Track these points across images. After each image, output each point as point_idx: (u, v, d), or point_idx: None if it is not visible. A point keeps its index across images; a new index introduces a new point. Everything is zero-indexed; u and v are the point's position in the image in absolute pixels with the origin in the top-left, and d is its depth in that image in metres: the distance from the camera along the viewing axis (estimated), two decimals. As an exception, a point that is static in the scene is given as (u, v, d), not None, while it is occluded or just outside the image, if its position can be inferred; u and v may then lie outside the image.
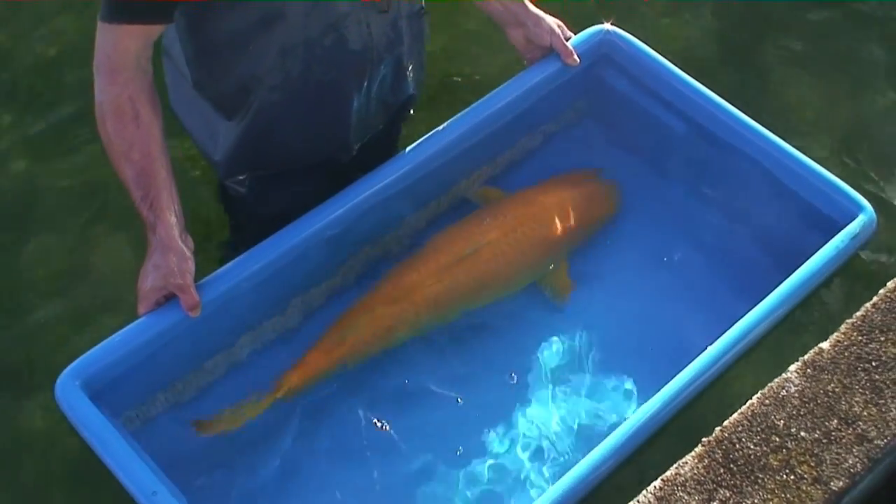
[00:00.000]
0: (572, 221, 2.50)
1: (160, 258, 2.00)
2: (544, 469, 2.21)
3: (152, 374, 2.13)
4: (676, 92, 2.51)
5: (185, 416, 2.19)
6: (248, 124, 2.20)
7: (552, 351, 2.39)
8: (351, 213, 2.28)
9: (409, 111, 2.55)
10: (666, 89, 2.53)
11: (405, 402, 2.30)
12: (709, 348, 2.05)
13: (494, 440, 2.25)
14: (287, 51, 2.08)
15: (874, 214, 2.26)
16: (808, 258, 2.19)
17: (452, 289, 2.37)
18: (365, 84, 2.24)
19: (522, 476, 2.21)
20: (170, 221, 2.02)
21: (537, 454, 2.24)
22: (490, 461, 2.23)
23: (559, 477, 1.94)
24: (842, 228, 2.24)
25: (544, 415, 2.28)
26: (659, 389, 2.00)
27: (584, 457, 1.93)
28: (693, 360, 2.03)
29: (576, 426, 2.26)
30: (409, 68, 2.37)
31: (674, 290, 2.49)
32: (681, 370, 2.02)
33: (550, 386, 2.33)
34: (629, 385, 2.33)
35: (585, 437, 2.23)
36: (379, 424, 2.25)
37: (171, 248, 2.00)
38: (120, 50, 1.99)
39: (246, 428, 2.18)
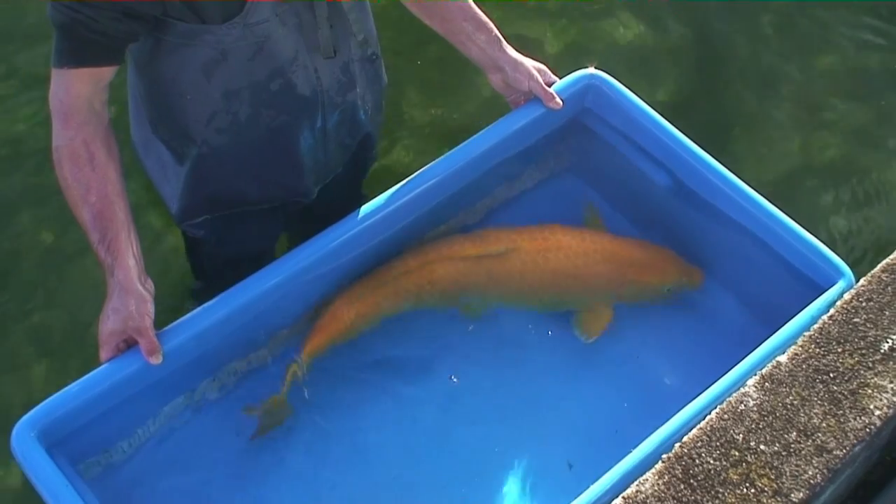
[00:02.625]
0: (624, 273, 2.48)
1: (118, 301, 2.00)
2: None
3: (112, 421, 2.11)
4: (659, 143, 2.46)
5: (147, 461, 2.18)
6: (196, 166, 2.22)
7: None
8: (316, 265, 2.26)
9: (373, 150, 2.56)
10: (648, 140, 2.49)
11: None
12: (668, 422, 2.00)
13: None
14: (231, 95, 2.10)
15: (853, 280, 2.19)
16: (788, 319, 2.14)
17: (468, 276, 2.41)
18: (318, 126, 2.25)
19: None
20: (128, 264, 2.01)
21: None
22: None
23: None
24: (823, 289, 2.19)
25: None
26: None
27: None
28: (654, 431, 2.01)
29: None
30: (365, 111, 2.39)
31: (652, 344, 2.50)
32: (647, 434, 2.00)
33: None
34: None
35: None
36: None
37: (130, 292, 2.00)
38: (72, 95, 2.00)
39: (213, 472, 2.19)
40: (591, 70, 2.51)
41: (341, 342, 2.37)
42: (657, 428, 1.97)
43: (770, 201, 2.34)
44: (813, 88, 3.60)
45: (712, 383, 2.03)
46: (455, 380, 2.34)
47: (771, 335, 2.09)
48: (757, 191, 2.35)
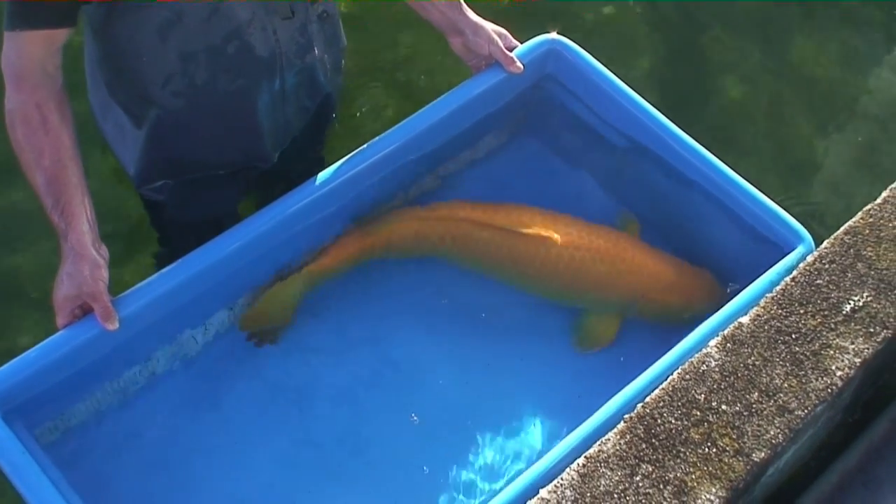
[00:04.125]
0: (648, 290, 2.41)
1: (72, 266, 1.97)
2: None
3: (70, 387, 2.09)
4: (619, 108, 2.45)
5: (105, 427, 2.16)
6: (153, 130, 2.19)
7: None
8: (277, 232, 2.24)
9: (332, 115, 2.53)
10: (609, 104, 2.47)
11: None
12: (630, 384, 2.00)
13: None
14: (188, 57, 2.07)
15: (813, 246, 2.19)
16: (750, 281, 2.15)
17: (489, 245, 2.38)
18: (276, 89, 2.22)
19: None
20: (81, 229, 1.98)
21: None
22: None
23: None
24: (785, 253, 2.20)
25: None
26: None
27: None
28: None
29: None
30: (325, 73, 2.36)
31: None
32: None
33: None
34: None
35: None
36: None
37: (84, 257, 1.97)
38: (24, 57, 1.97)
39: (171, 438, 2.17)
40: (553, 35, 2.49)
41: (345, 270, 2.38)
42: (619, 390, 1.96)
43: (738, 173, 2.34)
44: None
45: (674, 345, 2.02)
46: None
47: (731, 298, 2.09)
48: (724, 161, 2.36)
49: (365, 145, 2.32)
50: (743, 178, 2.32)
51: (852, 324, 1.95)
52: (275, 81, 2.20)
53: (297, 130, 2.39)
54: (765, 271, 2.14)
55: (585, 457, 1.79)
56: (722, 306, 2.13)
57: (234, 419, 2.25)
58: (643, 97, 2.42)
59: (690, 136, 2.36)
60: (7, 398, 1.95)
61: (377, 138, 2.33)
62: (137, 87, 2.14)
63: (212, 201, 2.38)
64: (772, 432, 1.82)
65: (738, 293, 2.13)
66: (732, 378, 1.88)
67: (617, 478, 1.76)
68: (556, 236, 2.36)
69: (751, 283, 2.14)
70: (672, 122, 2.39)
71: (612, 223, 2.53)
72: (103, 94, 2.22)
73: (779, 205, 2.28)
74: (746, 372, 1.89)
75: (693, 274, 2.44)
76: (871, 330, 1.94)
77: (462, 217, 2.37)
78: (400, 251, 2.41)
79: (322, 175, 2.26)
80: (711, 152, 2.35)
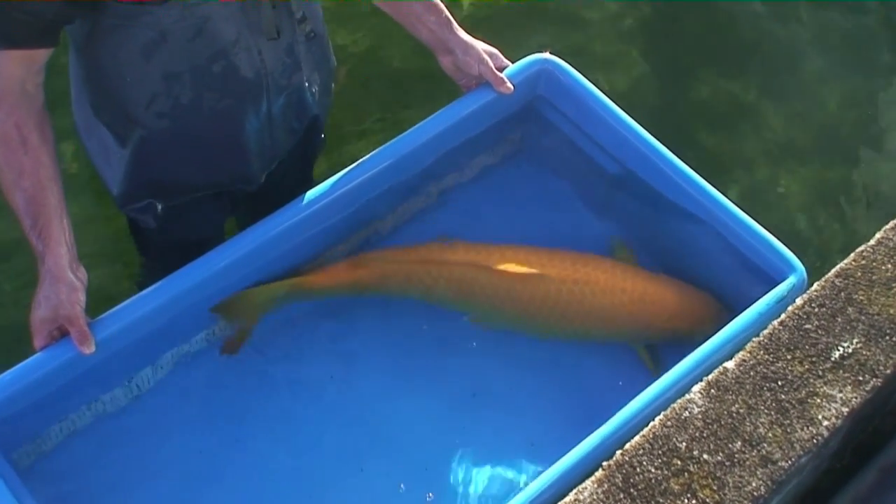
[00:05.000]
0: (652, 319, 2.37)
1: (49, 289, 1.95)
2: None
3: (46, 410, 2.08)
4: (612, 131, 2.41)
5: (81, 450, 2.15)
6: (138, 150, 2.16)
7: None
8: (260, 253, 2.21)
9: (320, 136, 2.50)
10: (600, 127, 2.44)
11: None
12: (617, 414, 1.99)
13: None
14: (172, 77, 2.04)
15: (805, 276, 2.17)
16: (740, 312, 2.12)
17: (486, 288, 2.33)
18: (263, 110, 2.19)
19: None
20: (59, 251, 1.96)
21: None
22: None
23: None
24: (776, 283, 2.17)
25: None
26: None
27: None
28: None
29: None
30: (313, 94, 2.32)
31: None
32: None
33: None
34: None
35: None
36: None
37: (60, 279, 1.95)
38: (3, 76, 1.95)
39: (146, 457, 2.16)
40: (545, 55, 2.45)
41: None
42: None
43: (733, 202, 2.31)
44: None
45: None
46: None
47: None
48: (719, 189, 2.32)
49: (352, 166, 2.29)
50: (739, 206, 2.30)
51: (841, 371, 1.91)
52: (261, 104, 2.16)
53: (284, 152, 2.36)
54: (756, 300, 2.12)
55: (561, 505, 1.75)
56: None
57: (211, 440, 2.22)
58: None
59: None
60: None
61: (364, 158, 2.31)
62: (121, 107, 2.10)
63: (197, 222, 2.35)
64: (754, 484, 1.78)
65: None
66: (715, 426, 1.84)
67: (593, 528, 1.72)
68: (552, 272, 2.32)
69: (741, 311, 2.12)
70: (667, 145, 2.37)
71: (604, 246, 2.49)
72: (87, 112, 2.19)
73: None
74: (730, 420, 1.85)
75: (695, 296, 2.40)
76: (861, 378, 1.90)
77: (457, 260, 2.33)
78: (390, 290, 2.37)
79: (308, 195, 2.24)
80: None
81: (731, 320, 2.13)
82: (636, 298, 2.36)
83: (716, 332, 2.14)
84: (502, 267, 2.32)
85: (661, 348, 2.39)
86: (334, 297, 2.35)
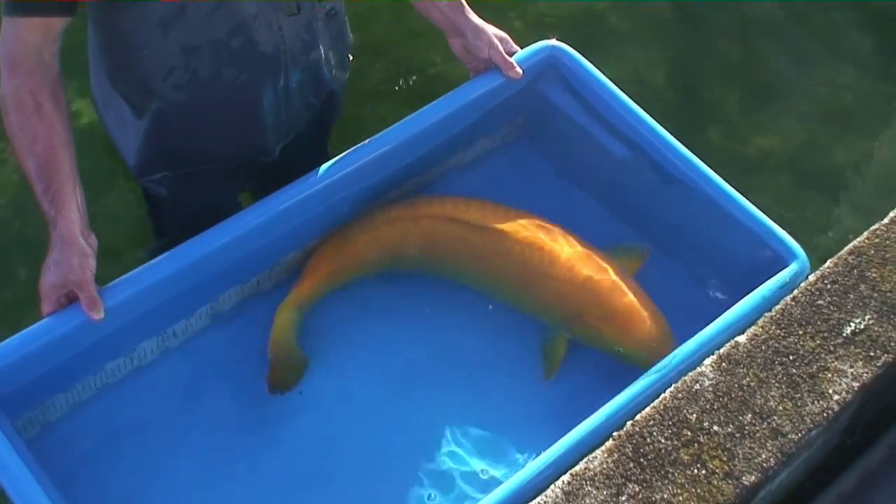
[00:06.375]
0: (583, 308, 2.26)
1: (59, 254, 1.95)
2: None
3: (53, 377, 2.06)
4: (618, 117, 2.41)
5: (86, 421, 2.14)
6: (155, 122, 2.16)
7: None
8: (267, 228, 2.21)
9: (337, 110, 2.50)
10: (608, 113, 2.43)
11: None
12: (616, 397, 1.97)
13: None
14: (191, 51, 2.05)
15: (807, 263, 2.16)
16: (742, 296, 2.11)
17: (456, 241, 2.32)
18: (280, 85, 2.19)
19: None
20: (71, 217, 1.96)
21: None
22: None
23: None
24: (778, 270, 2.16)
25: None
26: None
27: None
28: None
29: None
30: (330, 70, 2.32)
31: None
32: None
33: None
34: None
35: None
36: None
37: (72, 244, 1.95)
38: (20, 43, 1.95)
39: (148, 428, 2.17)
40: (553, 42, 2.46)
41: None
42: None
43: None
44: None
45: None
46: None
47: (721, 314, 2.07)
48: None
49: (355, 146, 2.29)
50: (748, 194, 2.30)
51: (852, 347, 1.91)
52: (279, 78, 2.17)
53: (300, 126, 2.36)
54: (757, 287, 2.12)
55: (571, 474, 1.75)
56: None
57: (217, 414, 2.22)
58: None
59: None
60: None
61: (375, 137, 2.30)
62: (139, 78, 2.11)
63: (212, 194, 2.35)
64: (763, 455, 1.77)
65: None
66: (726, 398, 1.84)
67: (602, 497, 1.72)
68: (513, 230, 2.29)
69: (743, 297, 2.11)
70: (676, 133, 2.36)
71: (605, 230, 2.47)
72: (105, 84, 2.20)
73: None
74: (741, 393, 1.85)
75: (646, 314, 2.24)
76: (872, 354, 1.90)
77: (423, 213, 2.32)
78: (369, 265, 2.36)
79: (321, 170, 2.24)
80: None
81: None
82: (582, 284, 2.26)
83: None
84: (465, 217, 2.30)
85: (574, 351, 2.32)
86: (329, 293, 2.34)
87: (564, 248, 2.30)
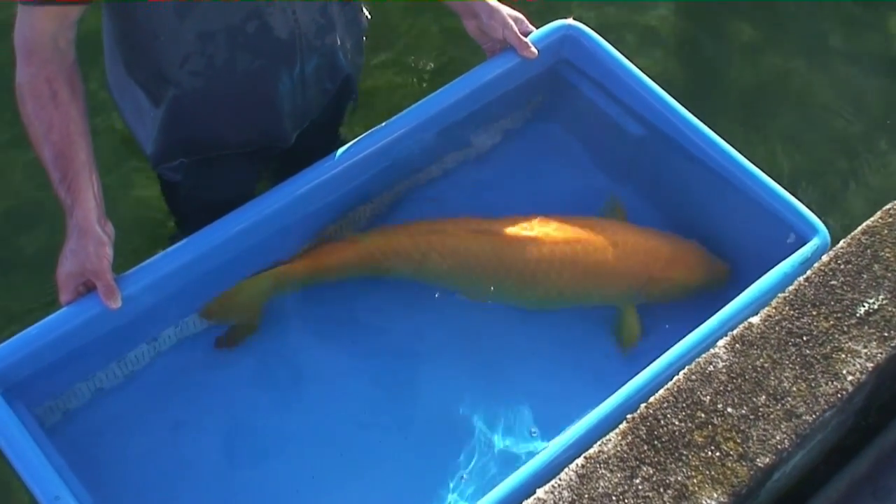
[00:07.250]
0: (650, 270, 2.32)
1: (76, 243, 1.96)
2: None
3: (72, 366, 2.08)
4: (634, 94, 2.41)
5: (107, 408, 2.16)
6: (171, 109, 2.17)
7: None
8: (286, 212, 2.22)
9: (353, 95, 2.50)
10: (623, 90, 2.43)
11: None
12: (631, 380, 1.97)
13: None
14: (206, 37, 2.05)
15: (828, 238, 2.15)
16: (762, 273, 2.11)
17: (477, 254, 2.30)
18: (296, 71, 2.20)
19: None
20: (87, 205, 1.97)
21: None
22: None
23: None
24: (797, 246, 2.16)
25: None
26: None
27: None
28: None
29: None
30: (345, 54, 2.32)
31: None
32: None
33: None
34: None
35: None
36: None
37: (88, 233, 1.96)
38: (36, 31, 1.96)
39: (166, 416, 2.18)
40: (569, 21, 2.45)
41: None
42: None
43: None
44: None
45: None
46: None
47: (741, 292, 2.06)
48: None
49: (372, 129, 2.30)
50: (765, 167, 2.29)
51: (866, 327, 1.91)
52: (295, 64, 2.17)
53: (316, 111, 2.37)
54: (778, 263, 2.11)
55: (585, 457, 1.76)
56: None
57: (236, 402, 2.23)
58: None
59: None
60: (7, 375, 1.95)
61: (386, 122, 2.31)
62: (155, 66, 2.12)
63: (227, 181, 2.36)
64: (778, 437, 1.78)
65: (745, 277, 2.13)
66: (740, 380, 1.84)
67: (616, 480, 1.73)
68: (542, 234, 2.28)
69: (764, 274, 2.11)
70: (692, 108, 2.36)
71: (631, 214, 2.48)
72: (121, 72, 2.21)
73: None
74: (754, 374, 1.85)
75: (687, 245, 2.38)
76: (886, 334, 1.90)
77: (446, 229, 2.31)
78: (380, 268, 2.34)
79: (336, 154, 2.25)
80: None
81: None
82: (629, 251, 2.32)
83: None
84: (493, 230, 2.29)
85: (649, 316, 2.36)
86: (324, 282, 2.33)
87: (591, 231, 2.32)
